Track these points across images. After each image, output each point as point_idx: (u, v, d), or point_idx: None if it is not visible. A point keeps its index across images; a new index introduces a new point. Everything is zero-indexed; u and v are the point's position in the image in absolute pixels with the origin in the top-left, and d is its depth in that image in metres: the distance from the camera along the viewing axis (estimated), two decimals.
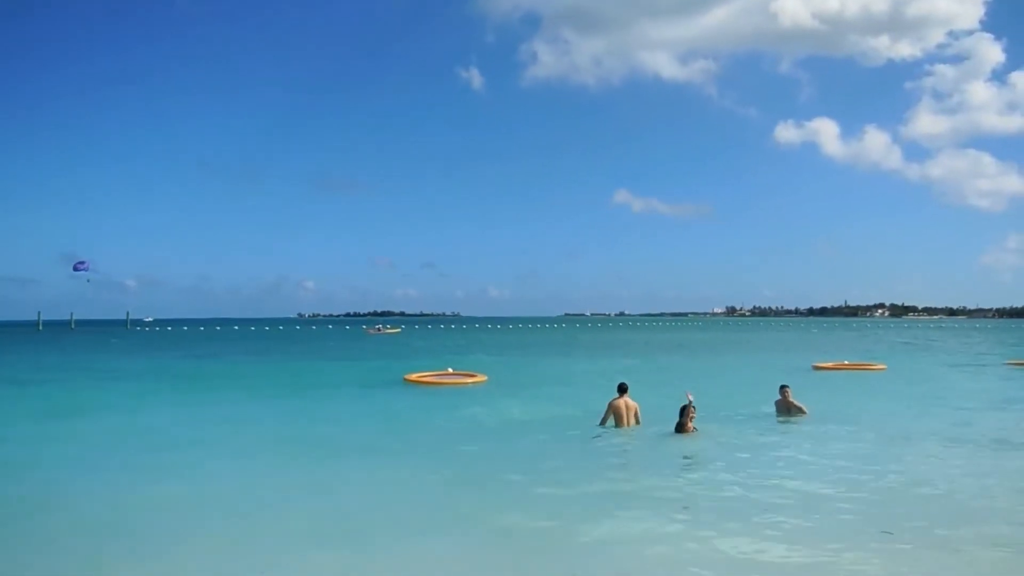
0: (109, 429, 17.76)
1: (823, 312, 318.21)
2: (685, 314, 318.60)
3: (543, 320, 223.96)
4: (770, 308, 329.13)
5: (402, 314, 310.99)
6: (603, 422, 15.69)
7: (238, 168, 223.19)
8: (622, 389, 15.81)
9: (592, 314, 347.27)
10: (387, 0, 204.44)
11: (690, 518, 9.08)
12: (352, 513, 9.72)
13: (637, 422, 15.57)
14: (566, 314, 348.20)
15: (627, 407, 15.55)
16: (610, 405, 15.70)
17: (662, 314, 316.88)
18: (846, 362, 35.54)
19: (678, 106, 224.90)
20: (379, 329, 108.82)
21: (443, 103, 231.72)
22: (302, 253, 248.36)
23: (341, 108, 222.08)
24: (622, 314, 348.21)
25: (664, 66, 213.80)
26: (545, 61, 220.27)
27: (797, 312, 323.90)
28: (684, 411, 14.55)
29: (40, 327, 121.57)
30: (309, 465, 12.92)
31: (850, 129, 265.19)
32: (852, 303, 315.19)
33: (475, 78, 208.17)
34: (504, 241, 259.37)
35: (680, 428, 14.44)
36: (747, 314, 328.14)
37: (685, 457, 13.06)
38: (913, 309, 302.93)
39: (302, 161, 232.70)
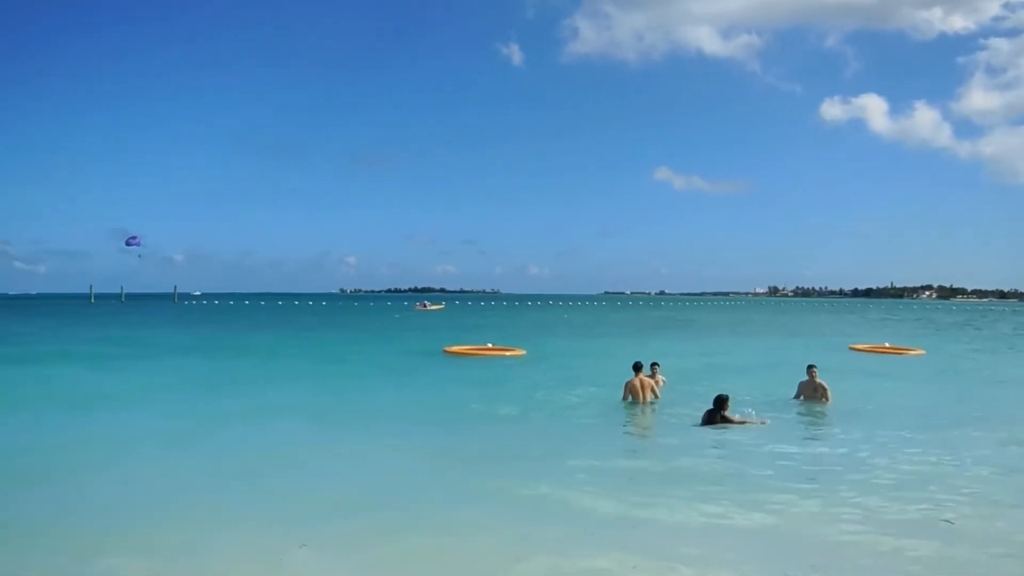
0: (155, 400, 18.62)
1: (868, 293, 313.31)
2: (726, 294, 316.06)
3: (583, 298, 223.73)
4: (813, 289, 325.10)
5: (442, 290, 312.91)
6: (624, 398, 16.44)
7: (279, 145, 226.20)
8: (637, 368, 16.68)
9: (632, 293, 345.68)
10: None
11: (699, 494, 9.26)
12: (385, 481, 10.09)
13: (655, 396, 16.44)
14: (606, 292, 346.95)
15: (642, 384, 16.37)
16: (626, 384, 16.55)
17: (703, 293, 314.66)
18: (886, 344, 34.95)
19: (720, 82, 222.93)
20: (424, 305, 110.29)
21: (482, 79, 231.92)
22: (343, 229, 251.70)
23: (381, 85, 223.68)
24: (662, 293, 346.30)
25: (706, 41, 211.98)
26: (586, 36, 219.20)
27: (841, 293, 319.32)
28: (720, 403, 14.58)
29: (92, 300, 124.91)
30: (346, 433, 13.48)
31: (899, 105, 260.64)
32: (898, 284, 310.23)
33: (515, 54, 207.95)
34: (544, 218, 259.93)
35: (712, 419, 14.24)
36: (789, 294, 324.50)
37: (703, 438, 13.25)
38: (962, 291, 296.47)
39: (342, 138, 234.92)
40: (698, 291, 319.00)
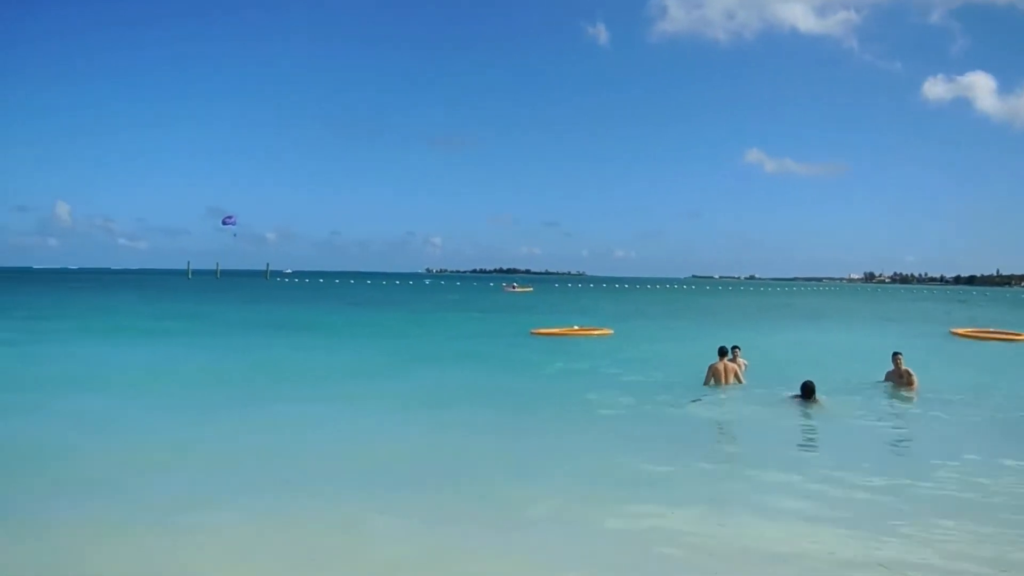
0: (252, 379, 19.81)
1: (971, 281, 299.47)
2: (820, 279, 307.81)
3: (669, 281, 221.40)
4: (912, 275, 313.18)
5: (527, 272, 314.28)
6: (706, 382, 16.78)
7: (367, 126, 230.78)
8: (722, 352, 17.20)
9: (720, 277, 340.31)
10: None
11: (777, 480, 9.54)
12: (463, 454, 10.60)
13: (738, 381, 16.80)
14: (693, 276, 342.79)
15: (725, 369, 16.80)
16: (710, 367, 16.99)
17: (795, 279, 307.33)
18: (990, 329, 33.58)
19: (816, 61, 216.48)
20: (513, 287, 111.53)
21: (568, 60, 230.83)
22: (429, 210, 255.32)
23: (467, 65, 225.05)
24: (752, 277, 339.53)
25: (801, 18, 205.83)
26: (675, 15, 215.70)
27: (943, 280, 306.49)
28: (808, 391, 14.61)
29: (190, 275, 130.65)
30: (431, 413, 13.87)
31: (1008, 83, 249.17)
32: (1005, 272, 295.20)
33: (601, 34, 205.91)
34: (629, 200, 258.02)
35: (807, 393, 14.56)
36: (887, 281, 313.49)
37: (786, 424, 13.45)
38: None
39: (429, 119, 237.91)
40: (790, 276, 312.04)
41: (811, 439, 12.35)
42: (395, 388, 16.55)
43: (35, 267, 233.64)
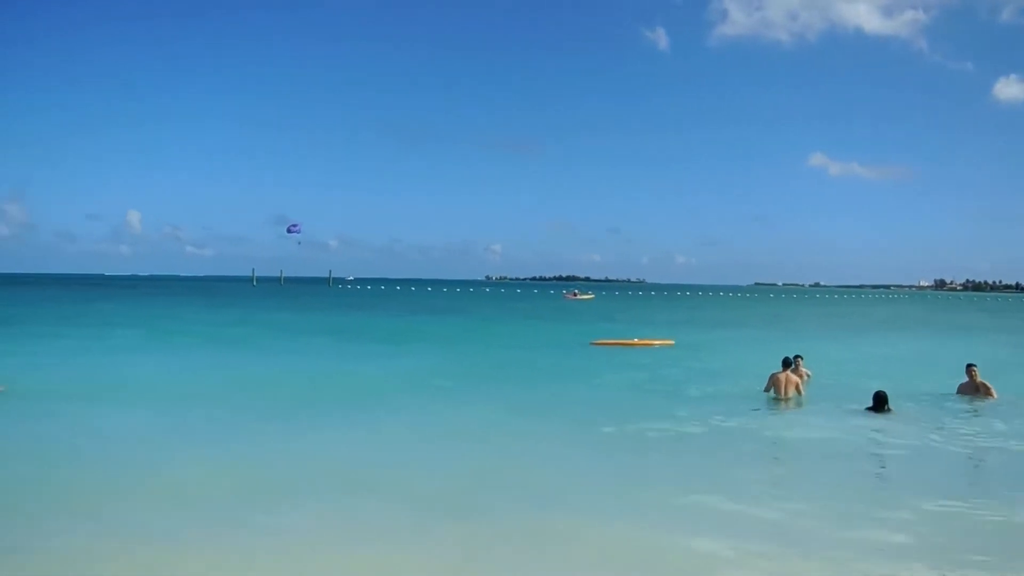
0: (322, 386, 20.10)
1: None
2: (887, 286, 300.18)
3: (732, 289, 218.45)
4: (986, 282, 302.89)
5: (587, 279, 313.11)
6: (767, 389, 16.74)
7: (427, 133, 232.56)
8: (785, 363, 17.14)
9: (784, 284, 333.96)
10: None
11: (841, 493, 9.55)
12: (512, 475, 10.40)
13: (799, 393, 16.55)
14: (756, 283, 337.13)
15: (787, 380, 16.60)
16: (771, 377, 16.86)
17: (862, 286, 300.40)
18: None
19: (883, 62, 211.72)
20: (575, 294, 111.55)
21: (627, 65, 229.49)
22: (489, 217, 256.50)
23: (524, 70, 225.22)
24: (817, 284, 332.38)
25: (866, 19, 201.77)
26: (736, 18, 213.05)
27: (1019, 288, 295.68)
28: (880, 401, 14.41)
29: (255, 283, 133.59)
30: (481, 425, 13.83)
31: None
32: None
33: (660, 38, 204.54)
34: (691, 206, 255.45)
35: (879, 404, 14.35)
36: (958, 288, 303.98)
37: (854, 439, 13.13)
38: None
39: (488, 125, 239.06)
40: (856, 283, 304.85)
41: (886, 455, 11.93)
42: (453, 399, 16.52)
43: (107, 274, 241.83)
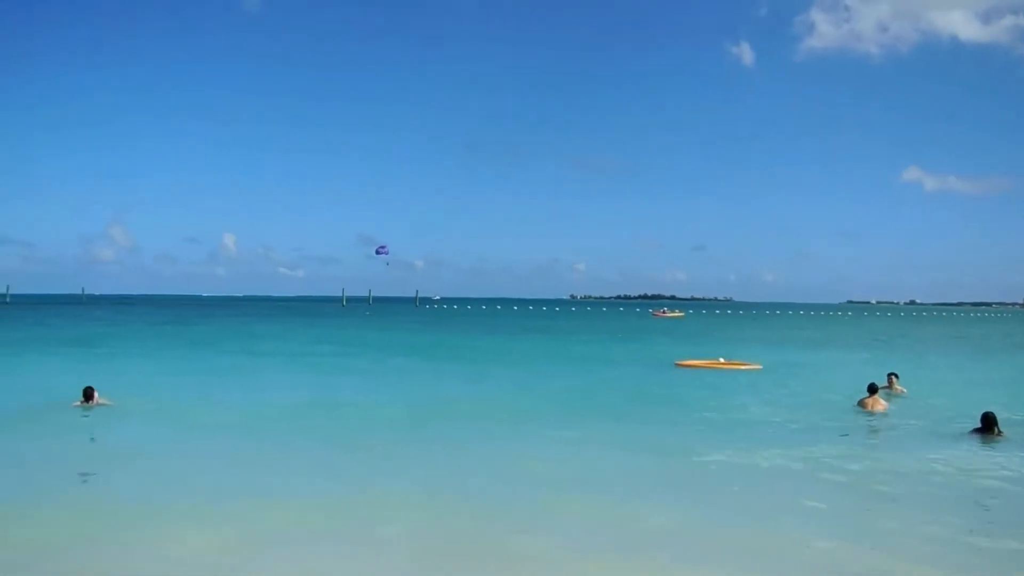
0: (401, 403, 20.47)
1: None
2: (988, 304, 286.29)
3: (823, 307, 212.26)
4: None
5: (672, 297, 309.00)
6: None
7: (510, 152, 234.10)
8: (872, 390, 17.15)
9: (878, 302, 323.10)
10: None
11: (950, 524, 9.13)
12: (600, 479, 10.91)
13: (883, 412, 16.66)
14: (848, 301, 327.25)
15: (873, 405, 16.73)
16: (860, 402, 17.04)
17: (960, 304, 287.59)
18: None
19: (980, 71, 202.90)
20: (664, 312, 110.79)
21: (712, 81, 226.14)
22: (572, 235, 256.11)
23: (607, 89, 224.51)
24: (912, 303, 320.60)
25: (962, 26, 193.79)
26: (823, 31, 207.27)
27: None
28: (989, 422, 13.86)
29: (344, 303, 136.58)
30: (552, 456, 13.54)
31: None
32: None
33: (745, 53, 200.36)
34: (779, 223, 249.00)
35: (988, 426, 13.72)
36: None
37: (948, 461, 12.63)
38: None
39: (572, 144, 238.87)
40: (954, 301, 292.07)
41: (994, 484, 11.17)
42: (534, 423, 16.35)
43: (203, 294, 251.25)
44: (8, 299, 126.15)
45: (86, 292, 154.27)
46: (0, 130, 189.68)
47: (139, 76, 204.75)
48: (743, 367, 28.26)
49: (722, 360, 30.06)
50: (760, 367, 28.21)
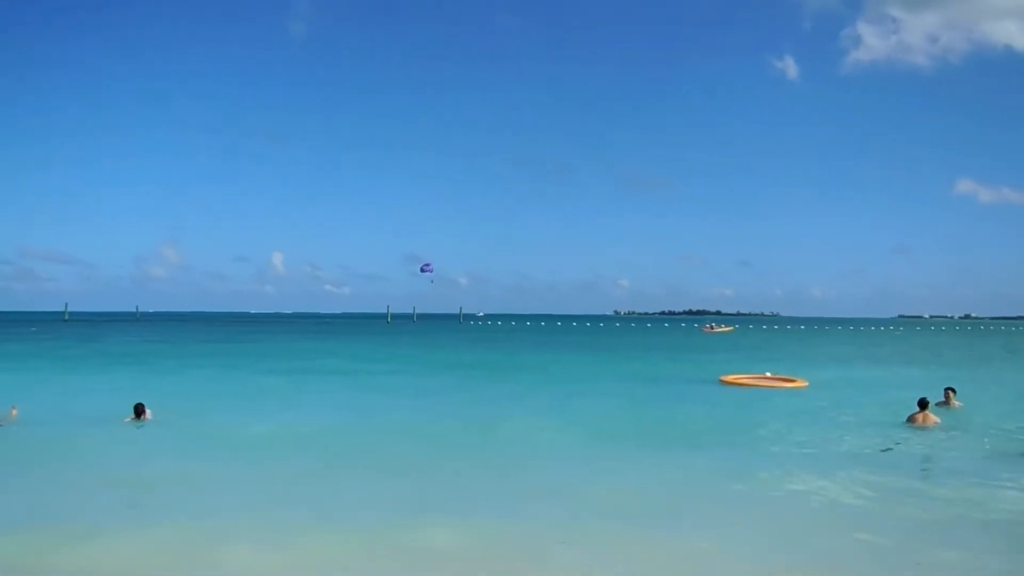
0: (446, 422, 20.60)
1: None
2: None
3: (872, 322, 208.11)
4: None
5: (718, 313, 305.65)
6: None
7: (554, 168, 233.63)
8: (922, 404, 16.79)
9: (931, 316, 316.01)
10: None
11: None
12: (642, 498, 10.95)
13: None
14: (900, 316, 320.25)
15: (924, 419, 16.40)
16: (910, 418, 16.72)
17: (1019, 317, 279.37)
18: None
19: None
20: (712, 327, 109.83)
21: (756, 95, 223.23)
22: (616, 251, 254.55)
23: (649, 104, 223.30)
24: (967, 316, 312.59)
25: (1017, 36, 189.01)
26: (870, 44, 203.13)
27: None
28: None
29: (389, 319, 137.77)
30: (618, 450, 14.41)
31: None
32: None
33: (790, 68, 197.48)
34: (826, 236, 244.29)
35: None
36: None
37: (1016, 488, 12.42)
38: None
39: (613, 159, 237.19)
40: (1012, 315, 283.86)
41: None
42: (574, 446, 15.96)
43: (252, 312, 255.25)
44: (67, 317, 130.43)
45: (140, 310, 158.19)
46: (67, 157, 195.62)
47: (189, 104, 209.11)
48: (789, 384, 27.85)
49: (769, 375, 29.68)
50: (806, 384, 27.77)
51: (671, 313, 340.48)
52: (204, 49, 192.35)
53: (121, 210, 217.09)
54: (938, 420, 16.46)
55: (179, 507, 10.66)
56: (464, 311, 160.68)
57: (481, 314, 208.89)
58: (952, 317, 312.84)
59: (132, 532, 9.35)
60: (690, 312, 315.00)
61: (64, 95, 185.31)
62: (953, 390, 18.56)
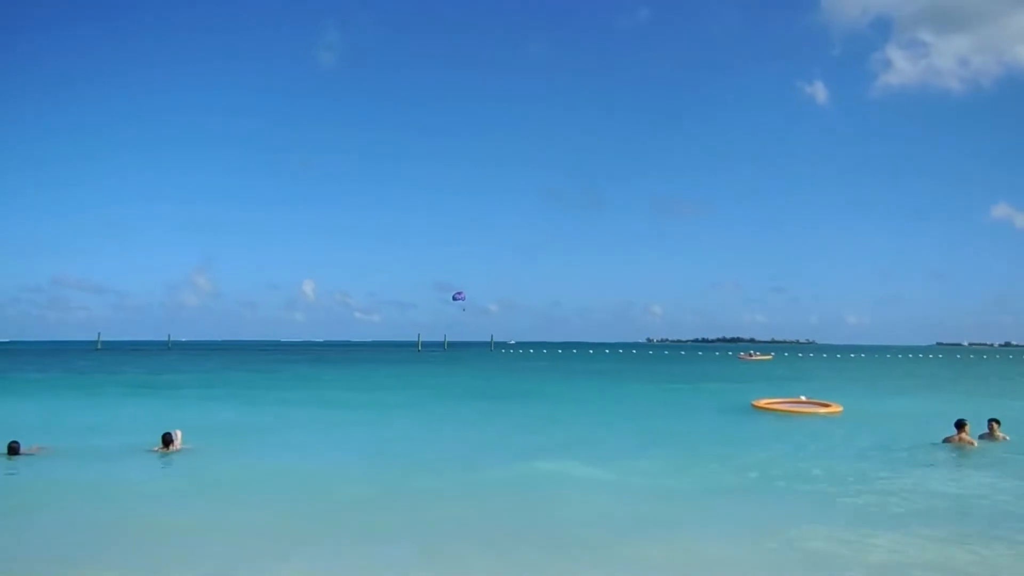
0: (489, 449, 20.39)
1: None
2: None
3: (910, 349, 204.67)
4: None
5: (751, 340, 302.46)
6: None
7: (584, 195, 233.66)
8: (959, 426, 16.73)
9: (970, 344, 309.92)
10: (721, 18, 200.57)
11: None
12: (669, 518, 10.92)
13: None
14: (938, 343, 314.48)
15: (960, 441, 16.37)
16: (946, 439, 16.74)
17: None
18: None
19: None
20: (750, 355, 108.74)
21: (786, 120, 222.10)
22: (648, 278, 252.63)
23: (680, 130, 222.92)
24: (1008, 344, 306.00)
25: None
26: (900, 68, 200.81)
27: None
28: None
29: (419, 347, 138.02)
30: (644, 473, 14.28)
31: None
32: None
33: (819, 92, 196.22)
34: (862, 263, 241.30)
35: None
36: None
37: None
38: None
39: (644, 185, 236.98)
40: None
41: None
42: (601, 471, 15.77)
43: (282, 340, 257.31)
44: (100, 345, 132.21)
45: (172, 339, 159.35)
46: (99, 186, 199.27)
47: (222, 135, 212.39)
48: (822, 409, 27.26)
49: (803, 398, 29.11)
50: (840, 410, 27.15)
51: (705, 340, 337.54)
52: (236, 78, 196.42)
53: (153, 239, 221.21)
54: (974, 442, 15.91)
55: (202, 547, 10.20)
56: (495, 339, 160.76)
57: (512, 342, 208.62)
58: (992, 345, 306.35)
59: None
60: (723, 339, 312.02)
61: (97, 128, 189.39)
62: (997, 421, 17.84)
